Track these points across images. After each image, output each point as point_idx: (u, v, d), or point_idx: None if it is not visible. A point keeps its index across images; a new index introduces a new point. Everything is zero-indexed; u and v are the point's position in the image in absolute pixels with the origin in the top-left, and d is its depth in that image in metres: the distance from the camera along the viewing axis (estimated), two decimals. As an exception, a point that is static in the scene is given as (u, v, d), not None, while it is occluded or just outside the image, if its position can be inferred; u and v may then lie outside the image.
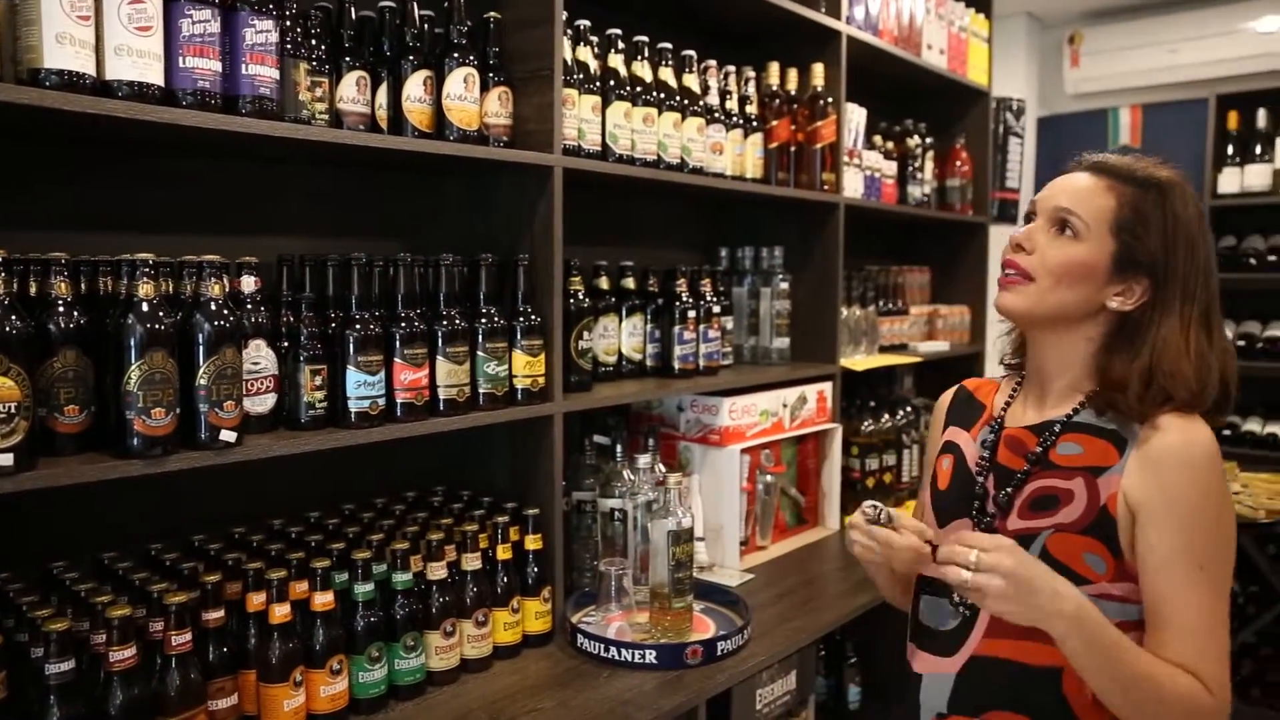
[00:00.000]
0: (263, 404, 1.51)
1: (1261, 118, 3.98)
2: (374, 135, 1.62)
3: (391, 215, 2.01)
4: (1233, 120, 4.04)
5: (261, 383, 1.51)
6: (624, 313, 2.21)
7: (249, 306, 1.51)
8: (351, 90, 1.66)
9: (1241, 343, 3.99)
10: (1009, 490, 1.26)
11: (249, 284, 1.53)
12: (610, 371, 2.19)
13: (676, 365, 2.26)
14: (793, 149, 2.59)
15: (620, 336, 2.21)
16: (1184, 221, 1.23)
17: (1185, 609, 1.13)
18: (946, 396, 1.50)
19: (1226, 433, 4.01)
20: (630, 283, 2.25)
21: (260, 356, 1.51)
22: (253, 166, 1.78)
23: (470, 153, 1.73)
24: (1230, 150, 4.03)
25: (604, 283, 2.20)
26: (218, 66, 1.36)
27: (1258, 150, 3.95)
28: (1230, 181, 4.01)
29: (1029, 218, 1.31)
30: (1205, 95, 4.10)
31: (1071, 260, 1.23)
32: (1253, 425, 3.98)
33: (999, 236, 4.32)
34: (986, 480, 1.31)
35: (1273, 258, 3.92)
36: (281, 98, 1.48)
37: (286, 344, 1.57)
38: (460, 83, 1.74)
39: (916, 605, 1.37)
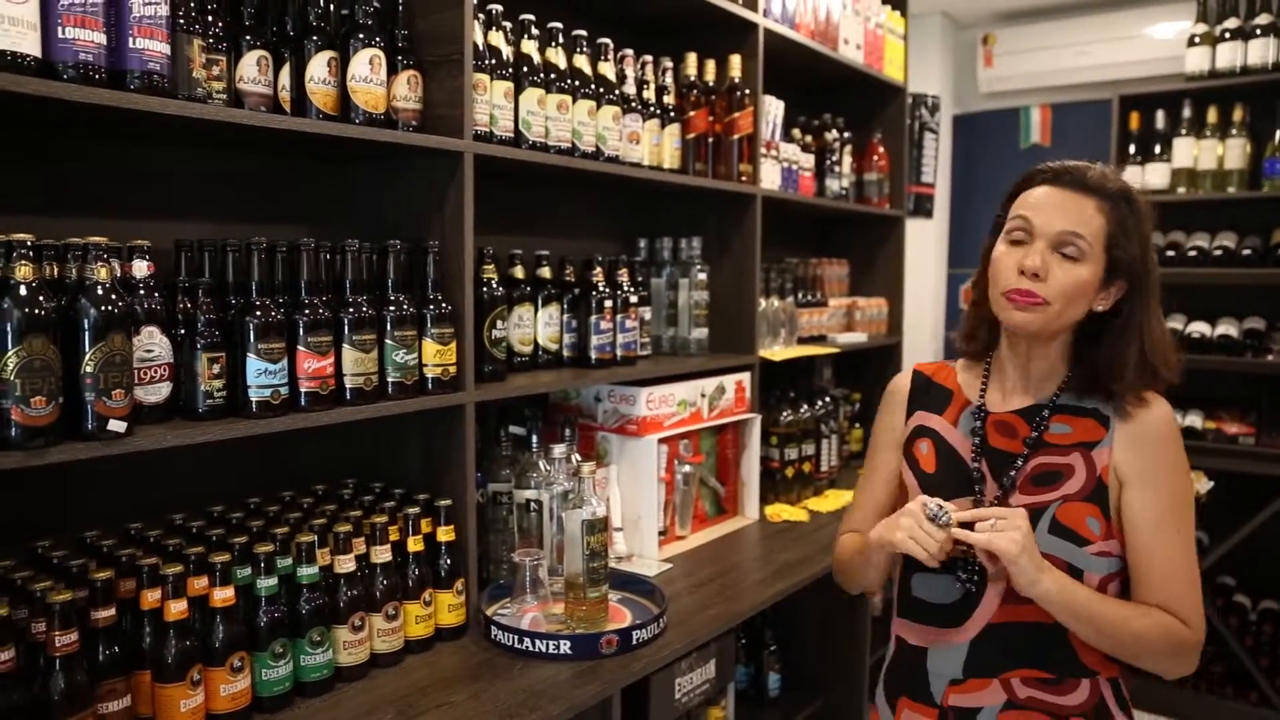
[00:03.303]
0: (157, 393, 1.45)
1: (1160, 119, 4.12)
2: (273, 116, 1.56)
3: (298, 201, 1.96)
4: (1134, 121, 4.18)
5: (155, 371, 1.45)
6: (540, 302, 2.19)
7: (142, 292, 1.45)
8: (252, 70, 1.61)
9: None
10: (1012, 473, 1.38)
11: (141, 268, 1.47)
12: (526, 361, 2.17)
13: (593, 355, 2.25)
14: (710, 140, 2.60)
15: (536, 326, 2.19)
16: (1147, 225, 1.36)
17: (1168, 559, 1.30)
18: (904, 381, 1.58)
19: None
20: (546, 272, 2.23)
21: (154, 344, 1.45)
22: (149, 148, 1.71)
23: (376, 136, 1.69)
24: (1132, 149, 4.17)
25: (519, 272, 2.17)
26: (102, 39, 1.29)
27: (1157, 150, 4.09)
28: (1132, 179, 4.14)
29: (1019, 237, 1.36)
30: (1109, 96, 4.23)
31: (1079, 282, 1.32)
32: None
33: (915, 230, 4.43)
34: (981, 464, 1.41)
35: (1171, 253, 4.07)
36: (174, 74, 1.42)
37: (183, 331, 1.51)
38: (365, 64, 1.70)
39: (907, 585, 1.47)
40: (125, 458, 1.36)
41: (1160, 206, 4.33)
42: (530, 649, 1.77)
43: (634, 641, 1.81)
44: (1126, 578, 1.35)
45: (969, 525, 1.31)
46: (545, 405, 2.47)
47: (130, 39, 1.33)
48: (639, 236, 2.75)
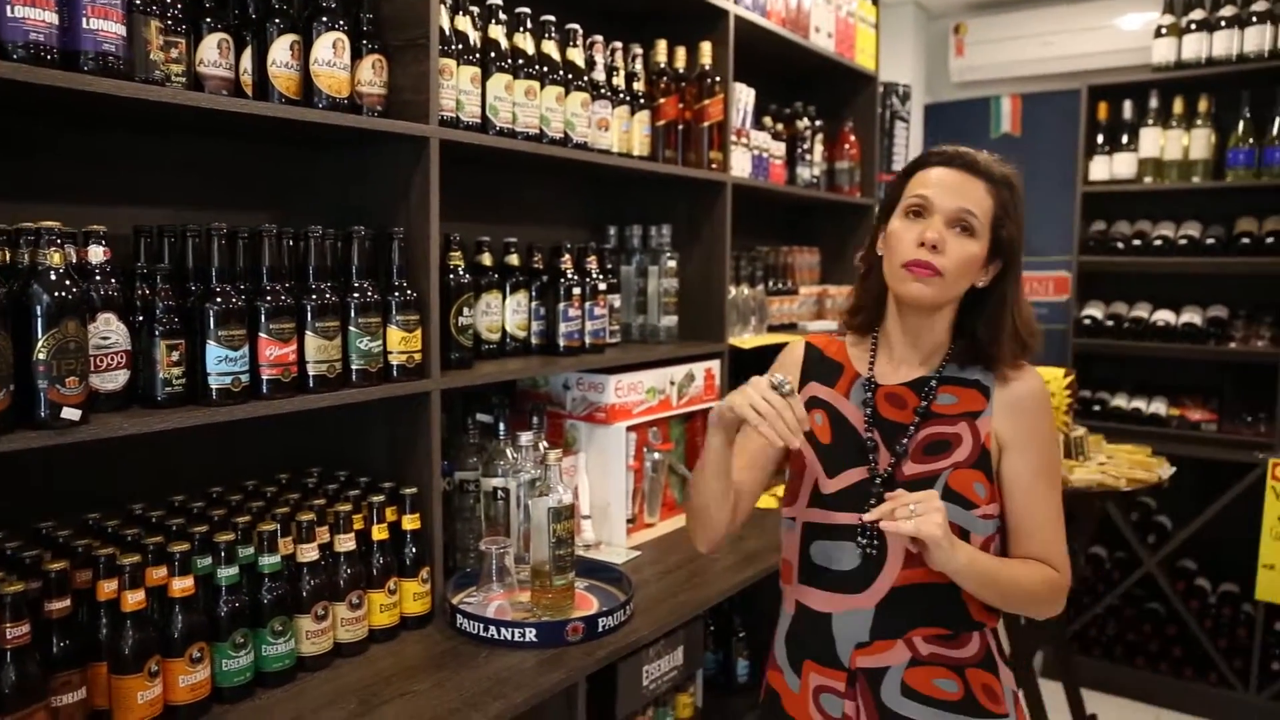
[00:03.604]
0: (114, 380, 1.43)
1: (1128, 109, 4.15)
2: (233, 100, 1.54)
3: (263, 187, 1.93)
4: (1102, 111, 4.21)
5: (112, 358, 1.42)
6: (508, 289, 2.18)
7: (98, 278, 1.43)
8: (213, 53, 1.58)
9: (1110, 322, 4.19)
10: (904, 441, 1.45)
11: (97, 254, 1.44)
12: (494, 349, 2.16)
13: (562, 343, 2.25)
14: (680, 127, 2.59)
15: (504, 313, 2.18)
16: (1022, 209, 1.46)
17: (1043, 515, 1.43)
18: (797, 351, 1.62)
19: (1096, 408, 4.21)
20: (514, 259, 2.22)
21: (110, 330, 1.42)
22: (109, 132, 1.68)
23: (339, 121, 1.67)
24: (1100, 139, 4.21)
25: (487, 259, 2.16)
26: (54, 19, 1.26)
27: (1124, 140, 4.13)
28: (1100, 169, 4.19)
29: (917, 211, 1.43)
30: (1078, 86, 4.26)
31: (971, 257, 1.41)
32: (1119, 401, 4.18)
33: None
34: (874, 434, 1.47)
35: (1137, 242, 4.12)
36: (130, 56, 1.39)
37: (141, 317, 1.49)
38: (329, 48, 1.67)
39: (807, 553, 1.50)
40: (83, 447, 1.34)
41: (1127, 196, 4.38)
42: (495, 637, 1.77)
43: (600, 629, 1.81)
44: (1002, 534, 1.46)
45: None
46: (513, 393, 2.47)
47: (84, 19, 1.30)
48: (609, 224, 2.74)
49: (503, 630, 1.76)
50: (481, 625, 1.78)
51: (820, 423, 1.52)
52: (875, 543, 1.42)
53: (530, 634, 1.76)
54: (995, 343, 1.44)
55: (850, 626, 1.44)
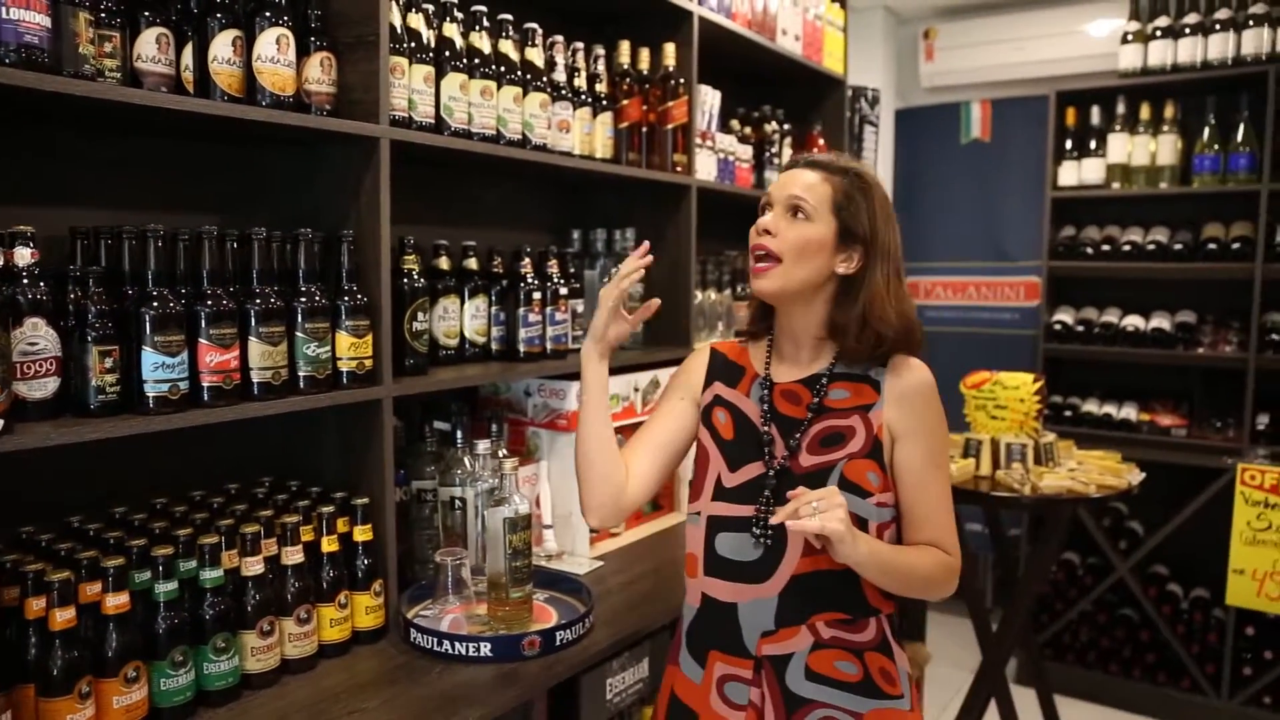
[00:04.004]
0: (42, 388, 1.37)
1: (1095, 115, 4.17)
2: (170, 97, 1.48)
3: (208, 188, 1.87)
4: (1070, 116, 4.23)
5: (41, 365, 1.36)
6: (466, 294, 2.13)
7: (25, 281, 1.37)
8: (151, 48, 1.52)
9: (1080, 327, 4.19)
10: (797, 435, 1.50)
11: (24, 256, 1.38)
12: (452, 355, 2.10)
13: (522, 348, 2.20)
14: (644, 129, 2.55)
15: (462, 318, 2.12)
16: (881, 200, 1.53)
17: (934, 502, 1.50)
18: (703, 355, 1.69)
19: (1067, 413, 4.21)
20: (473, 263, 2.17)
21: (39, 336, 1.36)
22: (44, 131, 1.62)
23: (284, 120, 1.61)
24: (1069, 145, 4.22)
25: (445, 263, 2.11)
26: (-29, 9, 1.21)
27: (1092, 146, 4.14)
28: (1069, 174, 4.20)
29: (763, 209, 1.54)
30: (1047, 92, 4.28)
31: (806, 238, 1.48)
32: (1090, 406, 4.18)
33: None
34: (770, 428, 1.53)
35: (1106, 247, 4.13)
36: (57, 49, 1.33)
37: (73, 322, 1.43)
38: (272, 44, 1.62)
39: (712, 545, 1.54)
40: (12, 458, 1.28)
41: (1096, 201, 4.38)
42: (450, 652, 1.71)
43: (558, 642, 1.76)
44: (897, 522, 1.52)
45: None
46: (475, 400, 2.41)
47: (3, 9, 1.24)
48: (572, 227, 2.70)
49: (457, 645, 1.71)
50: (435, 640, 1.72)
51: (724, 421, 1.58)
52: (770, 533, 1.47)
53: (485, 648, 1.70)
54: (844, 331, 1.50)
55: (756, 615, 1.48)
